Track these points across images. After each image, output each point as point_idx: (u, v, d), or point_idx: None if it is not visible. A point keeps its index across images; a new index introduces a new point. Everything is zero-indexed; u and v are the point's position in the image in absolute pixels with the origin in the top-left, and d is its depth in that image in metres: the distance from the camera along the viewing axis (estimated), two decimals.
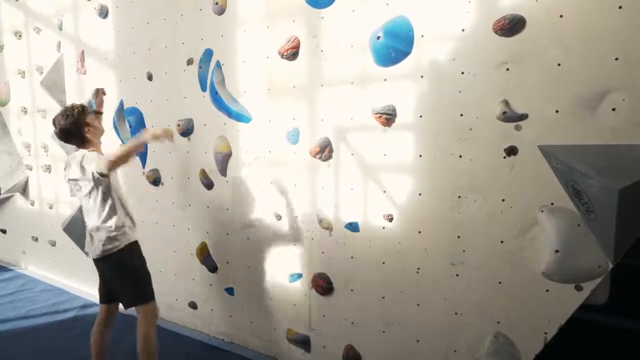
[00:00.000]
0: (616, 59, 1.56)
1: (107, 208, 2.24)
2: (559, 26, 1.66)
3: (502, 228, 1.85)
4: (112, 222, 2.24)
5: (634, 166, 1.51)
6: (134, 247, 2.34)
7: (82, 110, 2.31)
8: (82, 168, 2.18)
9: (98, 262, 2.33)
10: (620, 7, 1.55)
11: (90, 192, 2.25)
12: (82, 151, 2.28)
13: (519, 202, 1.80)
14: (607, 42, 1.58)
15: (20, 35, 4.07)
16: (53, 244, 4.14)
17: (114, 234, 2.24)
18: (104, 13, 3.25)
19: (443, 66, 1.92)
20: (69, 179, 2.32)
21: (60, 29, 3.62)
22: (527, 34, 1.72)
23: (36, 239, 4.36)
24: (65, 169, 2.37)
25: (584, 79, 1.63)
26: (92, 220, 2.29)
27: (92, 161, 2.17)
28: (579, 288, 1.71)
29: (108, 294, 2.42)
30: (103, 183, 2.20)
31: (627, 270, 2.01)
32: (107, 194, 2.24)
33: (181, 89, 2.89)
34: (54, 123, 2.32)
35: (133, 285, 2.29)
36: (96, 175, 2.14)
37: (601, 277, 1.67)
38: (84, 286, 3.91)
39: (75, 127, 2.27)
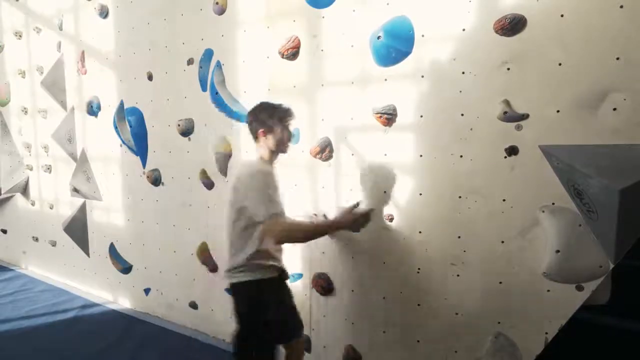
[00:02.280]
0: (617, 58, 1.56)
1: None
2: (560, 26, 1.65)
3: (503, 228, 1.84)
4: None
5: (635, 166, 1.50)
6: None
7: (286, 112, 1.91)
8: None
9: None
10: (621, 7, 1.54)
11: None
12: (254, 165, 1.86)
13: (519, 202, 1.80)
14: (608, 41, 1.57)
15: (20, 36, 4.07)
16: (53, 244, 4.14)
17: None
18: (104, 13, 3.25)
19: (444, 66, 1.92)
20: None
21: (61, 29, 3.63)
22: (528, 33, 1.72)
23: (36, 239, 4.36)
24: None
25: (585, 79, 1.62)
26: None
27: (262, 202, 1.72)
28: (580, 288, 1.71)
29: None
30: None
31: (629, 271, 2.01)
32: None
33: (181, 88, 2.89)
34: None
35: None
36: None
37: (602, 277, 1.67)
38: (84, 286, 3.91)
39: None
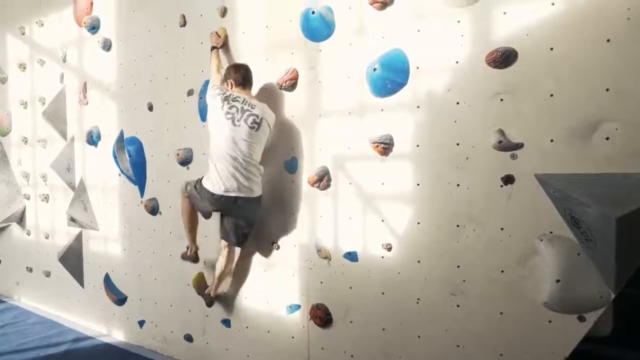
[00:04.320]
0: (607, 89, 1.60)
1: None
2: (550, 59, 1.70)
3: (502, 257, 1.83)
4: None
5: (631, 195, 1.52)
6: None
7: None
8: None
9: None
10: (608, 40, 1.60)
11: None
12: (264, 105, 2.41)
13: (517, 231, 1.80)
14: (598, 73, 1.62)
15: (24, 68, 4.15)
16: (48, 274, 4.08)
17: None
18: (107, 46, 3.34)
19: (439, 97, 1.96)
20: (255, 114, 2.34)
21: (64, 61, 3.71)
22: (520, 66, 1.77)
23: (31, 270, 4.30)
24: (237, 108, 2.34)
25: (577, 109, 1.66)
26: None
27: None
28: (582, 319, 1.68)
29: None
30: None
31: (630, 300, 1.98)
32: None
33: (181, 118, 2.93)
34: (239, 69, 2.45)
35: None
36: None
37: (604, 308, 1.65)
38: (78, 318, 3.82)
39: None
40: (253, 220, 2.50)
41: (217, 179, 2.35)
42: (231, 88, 2.44)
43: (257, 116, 2.33)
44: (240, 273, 2.72)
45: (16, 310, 4.21)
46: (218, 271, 2.65)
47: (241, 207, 2.38)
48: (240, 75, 2.43)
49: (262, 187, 2.47)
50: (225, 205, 2.41)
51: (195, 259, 2.85)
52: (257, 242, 2.61)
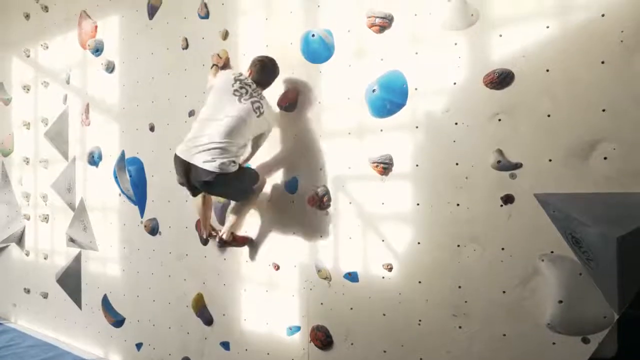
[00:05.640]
0: (603, 110, 1.62)
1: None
2: (547, 80, 1.73)
3: (503, 277, 1.82)
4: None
5: (631, 214, 1.52)
6: None
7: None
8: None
9: None
10: (602, 62, 1.63)
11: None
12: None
13: (518, 251, 1.79)
14: (594, 94, 1.64)
15: (28, 89, 4.21)
16: (45, 296, 4.03)
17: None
18: (110, 68, 3.39)
19: (437, 117, 1.98)
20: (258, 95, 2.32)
21: (68, 82, 3.76)
22: (517, 87, 1.79)
23: (28, 291, 4.25)
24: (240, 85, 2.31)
25: (574, 129, 1.68)
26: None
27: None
28: (586, 340, 1.66)
29: None
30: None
31: (634, 321, 1.96)
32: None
33: (182, 139, 2.94)
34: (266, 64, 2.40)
35: None
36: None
37: (608, 329, 1.62)
38: (74, 340, 3.76)
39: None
40: (233, 184, 2.34)
41: (189, 142, 2.31)
42: (249, 76, 2.39)
43: (261, 106, 2.30)
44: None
45: (12, 333, 4.15)
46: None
47: (213, 183, 2.24)
48: (260, 68, 2.37)
49: (262, 203, 2.45)
50: (182, 168, 2.32)
51: (206, 241, 2.79)
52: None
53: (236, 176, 2.28)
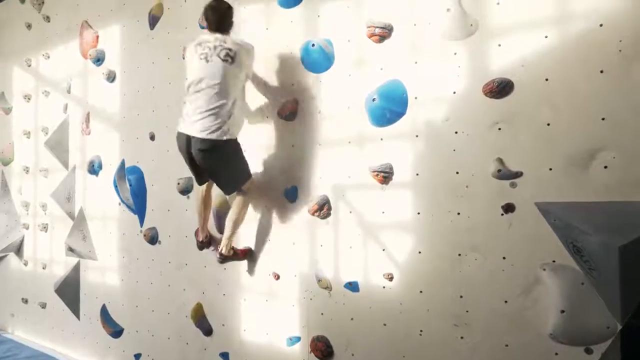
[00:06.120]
0: (603, 119, 1.63)
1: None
2: (546, 89, 1.74)
3: (505, 287, 1.81)
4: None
5: (633, 222, 1.51)
6: None
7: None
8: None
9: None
10: (601, 72, 1.64)
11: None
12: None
13: (520, 260, 1.78)
14: (593, 103, 1.65)
15: (29, 99, 4.22)
16: (43, 306, 4.01)
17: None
18: (111, 77, 3.41)
19: (437, 126, 1.99)
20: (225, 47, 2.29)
21: (69, 92, 3.77)
22: (516, 96, 1.80)
23: (26, 301, 4.22)
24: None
25: (574, 138, 1.68)
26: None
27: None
28: (589, 351, 1.64)
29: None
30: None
31: (637, 331, 1.94)
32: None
33: None
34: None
35: None
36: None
37: (611, 339, 1.61)
38: (72, 351, 3.72)
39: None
40: (227, 165, 2.37)
41: (186, 117, 2.37)
42: (208, 28, 2.40)
43: (230, 49, 2.28)
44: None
45: (9, 344, 4.11)
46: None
47: (210, 151, 2.29)
48: (211, 14, 2.36)
49: (261, 211, 2.44)
50: (184, 143, 2.36)
51: (202, 246, 2.75)
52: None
53: (233, 157, 2.36)
